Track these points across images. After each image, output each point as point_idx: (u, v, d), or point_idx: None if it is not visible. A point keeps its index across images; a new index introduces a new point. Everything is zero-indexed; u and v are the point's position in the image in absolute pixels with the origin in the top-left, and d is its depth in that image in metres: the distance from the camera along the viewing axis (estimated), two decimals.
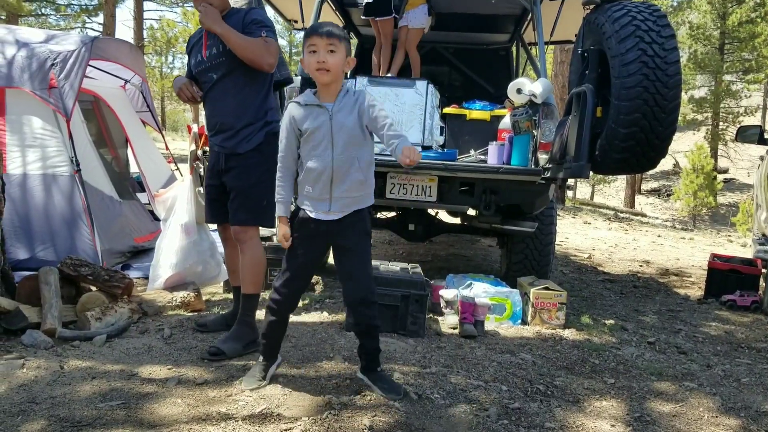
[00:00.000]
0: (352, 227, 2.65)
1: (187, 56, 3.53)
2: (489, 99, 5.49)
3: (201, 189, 4.02)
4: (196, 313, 3.91)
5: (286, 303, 2.78)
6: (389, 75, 5.73)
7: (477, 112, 5.03)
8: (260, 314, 3.41)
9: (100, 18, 23.04)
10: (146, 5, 24.57)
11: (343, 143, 2.58)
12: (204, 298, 4.14)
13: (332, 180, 2.60)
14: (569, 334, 3.96)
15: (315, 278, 5.08)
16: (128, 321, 3.51)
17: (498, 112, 5.01)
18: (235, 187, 3.30)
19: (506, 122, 4.62)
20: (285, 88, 4.47)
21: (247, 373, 2.81)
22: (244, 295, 3.32)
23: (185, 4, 26.08)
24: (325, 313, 4.06)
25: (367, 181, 2.65)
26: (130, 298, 3.87)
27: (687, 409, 2.87)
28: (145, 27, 23.57)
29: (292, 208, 2.76)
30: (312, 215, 2.66)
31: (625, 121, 3.58)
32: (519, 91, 4.48)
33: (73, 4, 24.88)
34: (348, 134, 2.58)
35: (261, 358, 2.82)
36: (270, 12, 5.89)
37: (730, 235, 14.50)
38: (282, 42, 37.28)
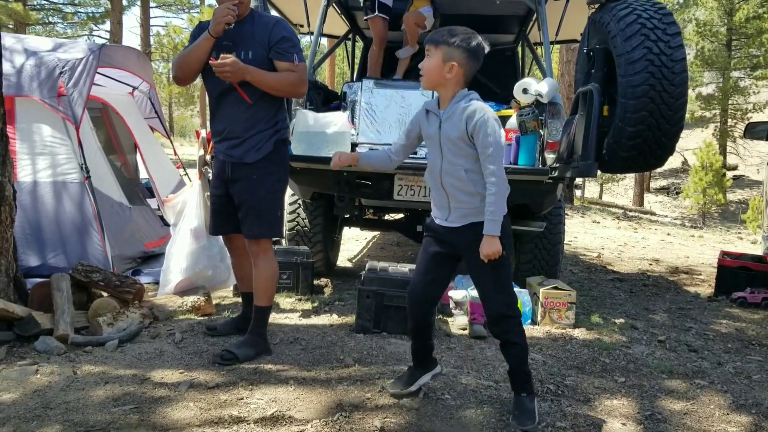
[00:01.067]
0: (474, 240, 2.48)
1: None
2: (495, 99, 5.48)
3: (209, 194, 4.03)
4: (206, 317, 3.93)
5: (419, 308, 2.68)
6: (395, 77, 5.74)
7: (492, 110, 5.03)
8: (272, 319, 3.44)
9: (107, 25, 23.19)
10: (153, 12, 24.67)
11: (450, 152, 2.53)
12: (214, 302, 4.16)
13: (444, 187, 2.56)
14: (579, 333, 3.96)
15: (324, 280, 5.11)
16: (140, 326, 3.53)
17: (505, 112, 5.01)
18: (245, 200, 3.21)
19: (513, 122, 4.62)
20: None
21: (396, 377, 2.82)
22: (257, 307, 3.29)
23: (191, 11, 26.23)
24: (335, 316, 4.08)
25: (481, 192, 2.48)
26: (141, 303, 3.90)
27: (698, 406, 2.86)
28: (151, 34, 23.72)
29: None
30: (436, 221, 2.64)
31: (632, 119, 3.58)
32: (525, 91, 4.48)
33: (80, 12, 25.06)
34: (453, 144, 2.51)
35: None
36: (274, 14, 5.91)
37: (740, 233, 14.41)
38: None
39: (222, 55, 2.99)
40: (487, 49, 2.60)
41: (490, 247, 2.40)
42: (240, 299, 4.24)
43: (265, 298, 3.29)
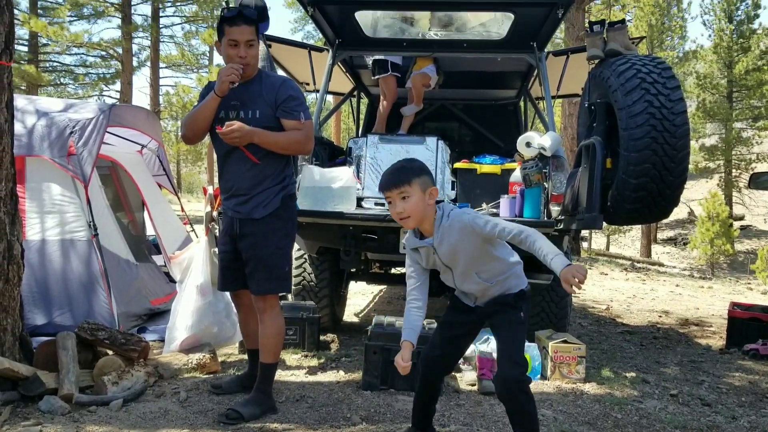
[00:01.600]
0: (502, 305, 2.60)
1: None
2: (499, 153, 5.54)
3: (216, 250, 4.04)
4: (211, 375, 3.89)
5: (432, 375, 2.76)
6: (400, 132, 5.82)
7: (487, 166, 5.08)
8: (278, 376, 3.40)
9: (117, 86, 23.65)
10: (162, 72, 25.19)
11: (457, 266, 2.59)
12: (220, 359, 4.13)
13: (465, 291, 2.67)
14: (590, 388, 3.90)
15: (330, 335, 5.07)
16: (144, 385, 3.50)
17: (508, 165, 5.05)
18: (253, 256, 3.22)
19: (517, 175, 4.66)
20: None
21: None
22: (263, 364, 3.26)
23: (200, 71, 26.75)
24: (342, 372, 4.03)
25: (499, 279, 2.58)
26: (147, 361, 3.87)
27: None
28: (161, 93, 24.14)
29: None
30: (462, 301, 2.72)
31: (635, 171, 3.60)
32: (528, 144, 4.53)
33: (91, 73, 25.56)
34: (458, 260, 2.56)
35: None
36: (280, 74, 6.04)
37: (749, 283, 14.29)
38: None
39: (227, 123, 3.06)
40: None
41: (572, 275, 2.25)
42: (246, 356, 4.21)
43: (271, 355, 3.26)
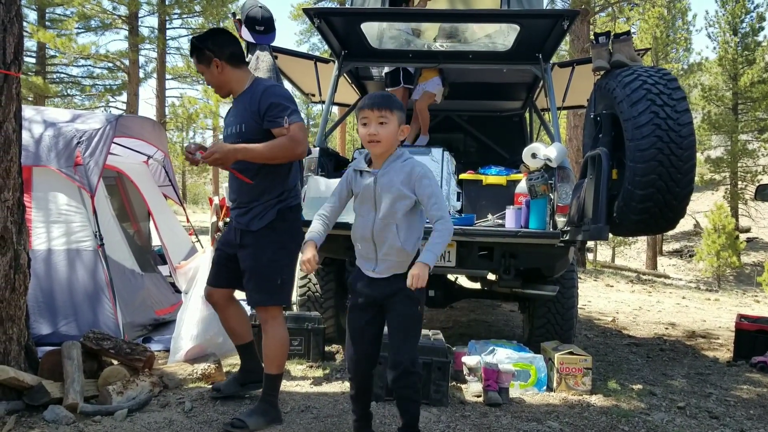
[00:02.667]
0: (398, 290, 2.65)
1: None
2: (504, 164, 5.55)
3: None
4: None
5: (357, 372, 2.82)
6: (405, 143, 5.82)
7: (493, 177, 5.08)
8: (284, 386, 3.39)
9: (124, 97, 23.76)
10: (168, 83, 25.34)
11: (386, 207, 2.63)
12: (225, 369, 4.12)
13: (374, 240, 2.67)
14: (596, 400, 3.88)
15: (336, 346, 5.05)
16: (149, 394, 3.49)
17: (514, 176, 5.05)
18: (249, 267, 3.25)
19: (522, 186, 4.66)
20: (303, 159, 4.54)
21: None
22: (267, 375, 3.25)
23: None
24: (347, 383, 4.00)
25: (406, 249, 2.65)
26: (152, 371, 3.86)
27: None
28: (167, 104, 24.23)
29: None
30: (364, 271, 2.74)
31: (641, 182, 3.60)
32: (534, 155, 4.53)
33: (97, 85, 25.70)
34: (391, 199, 2.63)
35: None
36: (287, 86, 6.07)
37: (756, 295, 14.22)
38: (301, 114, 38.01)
39: (209, 147, 3.11)
40: None
41: (420, 273, 2.48)
42: None
43: (274, 366, 3.25)
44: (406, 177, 2.62)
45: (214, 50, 3.25)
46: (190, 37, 3.59)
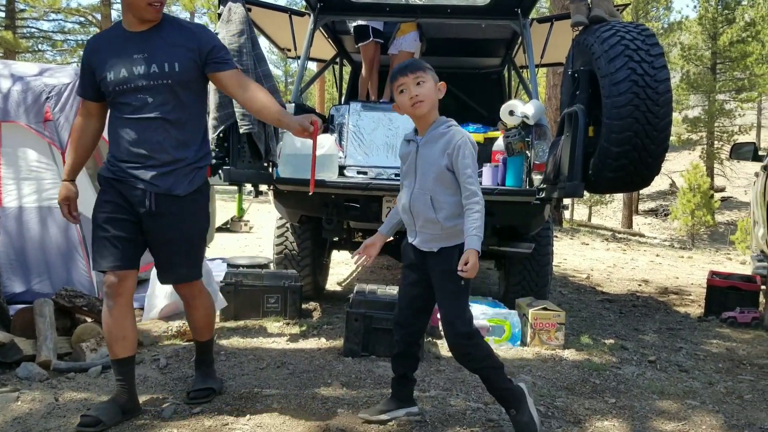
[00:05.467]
0: (435, 265, 2.58)
1: (84, 69, 2.75)
2: (482, 122, 5.51)
3: None
4: (191, 343, 3.87)
5: (396, 333, 2.78)
6: (382, 100, 5.77)
7: (471, 134, 5.05)
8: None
9: None
10: None
11: (422, 177, 2.56)
12: None
13: (411, 212, 2.61)
14: (569, 354, 3.94)
15: (313, 304, 5.07)
16: None
17: (491, 134, 5.03)
18: (172, 237, 2.73)
19: (499, 144, 4.64)
20: None
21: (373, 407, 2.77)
22: (204, 342, 3.04)
23: None
24: (323, 339, 4.04)
25: (441, 222, 2.53)
26: None
27: (690, 427, 2.84)
28: None
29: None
30: (409, 239, 2.69)
31: (617, 139, 3.59)
32: (511, 113, 4.50)
33: (69, 40, 25.13)
34: (428, 168, 2.55)
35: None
36: (263, 42, 5.95)
37: (728, 253, 14.48)
38: (278, 72, 37.55)
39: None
40: None
41: (472, 262, 2.38)
42: (226, 324, 4.22)
43: (208, 332, 3.04)
44: (444, 144, 2.52)
45: None
46: None
